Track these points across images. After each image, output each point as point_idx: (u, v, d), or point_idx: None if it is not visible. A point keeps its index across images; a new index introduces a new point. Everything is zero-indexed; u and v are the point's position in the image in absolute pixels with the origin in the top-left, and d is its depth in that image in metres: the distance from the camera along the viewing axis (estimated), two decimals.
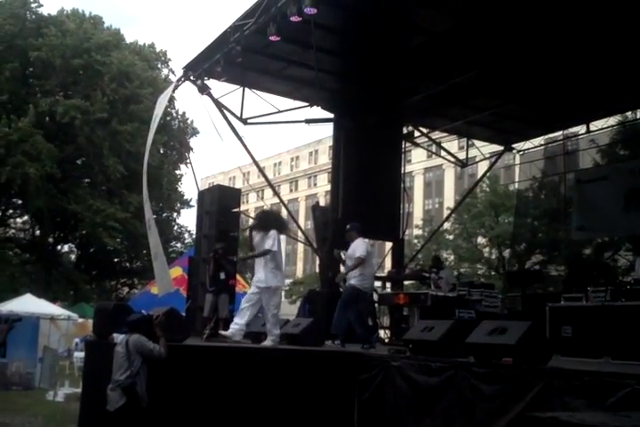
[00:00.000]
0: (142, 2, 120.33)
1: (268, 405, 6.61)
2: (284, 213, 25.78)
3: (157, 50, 35.48)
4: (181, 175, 36.29)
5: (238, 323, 7.97)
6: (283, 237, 8.70)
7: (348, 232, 8.93)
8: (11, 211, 34.54)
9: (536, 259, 21.15)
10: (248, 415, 6.44)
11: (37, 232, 34.08)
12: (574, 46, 10.61)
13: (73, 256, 37.78)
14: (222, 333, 8.13)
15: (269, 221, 8.44)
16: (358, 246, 8.70)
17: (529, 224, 19.66)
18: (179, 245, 36.43)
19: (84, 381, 6.80)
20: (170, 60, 35.93)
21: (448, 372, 5.80)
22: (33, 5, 31.82)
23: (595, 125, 15.04)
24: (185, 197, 36.75)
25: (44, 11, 32.43)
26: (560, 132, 15.93)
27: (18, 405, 11.65)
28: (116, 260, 35.65)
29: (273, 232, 8.10)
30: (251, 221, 10.08)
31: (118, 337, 6.43)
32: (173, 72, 34.30)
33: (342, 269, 9.26)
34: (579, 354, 7.08)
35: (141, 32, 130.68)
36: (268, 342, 7.85)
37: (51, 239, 33.85)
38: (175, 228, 37.07)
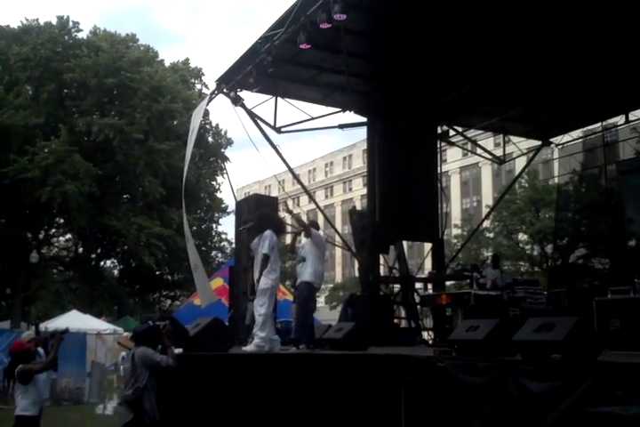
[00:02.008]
0: (177, 21, 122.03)
1: (317, 410, 6.60)
2: (320, 219, 25.85)
3: (192, 66, 35.93)
4: (219, 185, 36.64)
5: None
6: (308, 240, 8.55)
7: (305, 230, 8.68)
8: (54, 230, 35.28)
9: (579, 253, 20.76)
10: (297, 421, 6.45)
11: (80, 249, 34.73)
12: (607, 35, 10.43)
13: (116, 271, 38.42)
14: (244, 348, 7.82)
15: (265, 222, 8.24)
16: (310, 242, 8.43)
17: (571, 218, 19.34)
18: (220, 255, 36.77)
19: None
20: (204, 74, 36.36)
21: (495, 371, 5.71)
22: (71, 29, 32.59)
23: (634, 115, 14.73)
24: (223, 205, 37.07)
25: (82, 34, 33.15)
26: (599, 124, 15.64)
27: (69, 420, 11.86)
28: (157, 273, 36.13)
29: (268, 234, 7.88)
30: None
31: None
32: (207, 86, 34.76)
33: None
34: (628, 347, 6.91)
35: (176, 51, 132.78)
36: (250, 347, 7.56)
37: (93, 255, 34.47)
38: (215, 239, 37.40)
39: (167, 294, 38.35)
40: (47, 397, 8.70)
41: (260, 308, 7.72)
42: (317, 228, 9.06)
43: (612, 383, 4.68)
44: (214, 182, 36.35)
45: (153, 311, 32.62)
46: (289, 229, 9.34)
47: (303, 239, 8.81)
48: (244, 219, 11.41)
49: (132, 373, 5.83)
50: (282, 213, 11.33)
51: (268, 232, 7.89)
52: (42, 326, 18.21)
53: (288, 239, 10.43)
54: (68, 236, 35.73)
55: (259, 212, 8.68)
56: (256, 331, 7.68)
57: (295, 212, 9.65)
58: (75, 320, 18.26)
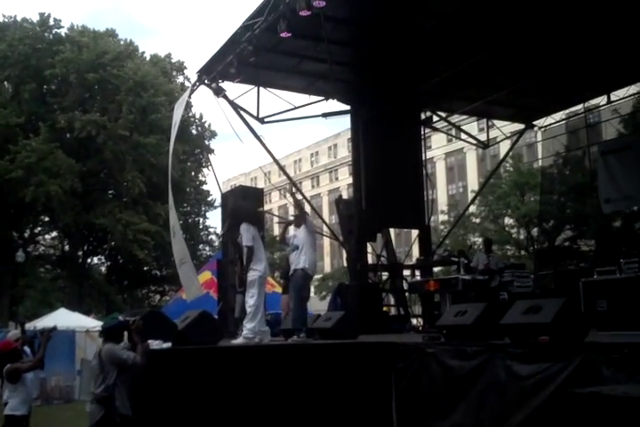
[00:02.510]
0: (157, 14, 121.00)
1: (308, 400, 6.60)
2: (307, 209, 25.83)
3: (174, 60, 35.65)
4: (204, 178, 36.45)
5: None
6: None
7: (296, 219, 8.64)
8: (39, 228, 35.03)
9: (565, 235, 20.89)
10: (287, 410, 6.44)
11: (67, 247, 34.51)
12: (587, 16, 10.41)
13: (103, 268, 38.24)
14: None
15: (239, 215, 8.29)
16: (303, 230, 8.35)
17: (556, 201, 19.44)
18: (207, 248, 36.66)
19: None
20: (186, 68, 36.04)
21: (483, 355, 5.73)
22: (52, 26, 32.20)
23: (616, 95, 14.76)
24: (210, 199, 36.92)
25: (62, 31, 32.74)
26: (581, 106, 15.67)
27: (59, 419, 11.82)
28: (145, 268, 35.95)
29: (244, 226, 7.91)
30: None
31: (152, 344, 6.45)
32: (189, 79, 34.47)
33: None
34: (616, 327, 6.95)
35: (158, 44, 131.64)
36: (239, 340, 7.59)
37: (80, 253, 34.26)
38: (202, 233, 37.26)
39: (156, 290, 38.19)
40: (36, 396, 8.65)
41: (249, 299, 7.75)
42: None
43: (600, 364, 4.70)
44: (200, 175, 36.18)
45: (142, 307, 32.52)
46: (276, 219, 9.31)
47: (293, 228, 8.75)
48: (228, 212, 11.38)
49: (101, 370, 5.79)
50: (287, 196, 11.23)
51: (243, 226, 7.92)
52: (30, 325, 18.09)
53: (277, 230, 10.39)
54: (54, 234, 35.49)
55: (231, 206, 8.67)
56: (245, 322, 7.70)
57: (299, 197, 9.61)
58: (63, 318, 18.16)
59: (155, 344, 6.41)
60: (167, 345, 6.46)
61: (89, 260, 36.11)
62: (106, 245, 35.04)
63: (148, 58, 34.30)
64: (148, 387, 6.06)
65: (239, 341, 7.59)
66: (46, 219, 33.53)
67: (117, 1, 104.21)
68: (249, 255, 7.81)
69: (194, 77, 13.13)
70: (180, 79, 35.58)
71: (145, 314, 7.34)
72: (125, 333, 6.12)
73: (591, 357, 4.80)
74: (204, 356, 6.45)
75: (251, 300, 7.75)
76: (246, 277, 7.86)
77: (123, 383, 5.79)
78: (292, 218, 8.88)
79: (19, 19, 32.22)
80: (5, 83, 30.72)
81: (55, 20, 32.35)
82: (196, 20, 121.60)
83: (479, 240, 27.58)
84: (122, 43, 33.51)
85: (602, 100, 15.10)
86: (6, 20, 32.26)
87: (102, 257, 37.25)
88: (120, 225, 29.46)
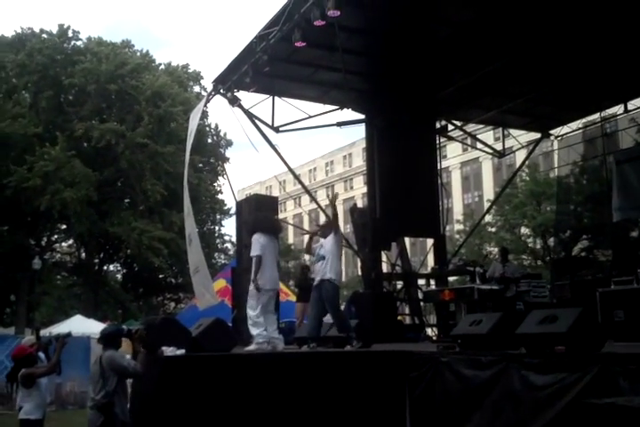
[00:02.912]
0: (171, 25, 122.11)
1: (322, 408, 6.57)
2: (322, 218, 25.82)
3: (191, 70, 35.92)
4: (220, 187, 36.61)
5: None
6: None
7: (322, 228, 8.65)
8: (56, 236, 35.31)
9: (582, 245, 20.76)
10: (300, 419, 6.42)
11: (83, 255, 34.74)
12: (604, 24, 10.37)
13: (119, 275, 38.43)
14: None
15: (255, 224, 8.31)
16: (331, 241, 8.25)
17: (572, 210, 19.31)
18: (222, 256, 36.75)
19: (133, 396, 6.87)
20: (202, 78, 36.33)
21: (499, 365, 5.67)
22: (71, 37, 32.61)
23: (632, 104, 14.68)
24: (225, 207, 37.05)
25: (81, 43, 33.16)
26: (597, 115, 15.59)
27: (74, 424, 11.82)
28: (160, 276, 36.12)
29: (256, 236, 7.97)
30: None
31: (167, 350, 6.47)
32: (205, 89, 34.70)
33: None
34: (633, 338, 6.88)
35: (174, 54, 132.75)
36: (251, 346, 7.64)
37: (96, 260, 34.48)
38: (217, 241, 37.39)
39: (171, 297, 38.34)
40: (50, 401, 8.70)
41: (249, 310, 7.84)
42: None
43: (617, 375, 4.65)
44: (215, 184, 36.36)
45: (157, 314, 32.61)
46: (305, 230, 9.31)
47: (321, 238, 8.70)
48: (243, 219, 11.41)
49: (101, 376, 5.84)
50: (326, 202, 11.24)
51: (255, 235, 7.97)
52: (45, 332, 18.20)
53: (291, 238, 10.42)
54: (71, 241, 35.75)
55: (251, 217, 8.73)
56: (252, 332, 7.74)
57: (299, 212, 9.65)
58: (79, 325, 18.27)
59: (169, 351, 6.44)
60: (181, 352, 6.47)
61: (105, 267, 36.38)
62: (121, 252, 35.26)
63: (163, 68, 34.63)
64: (162, 393, 6.06)
65: (251, 347, 7.61)
66: (63, 227, 33.80)
67: (133, 14, 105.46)
68: (256, 266, 7.85)
69: (210, 87, 13.23)
70: (197, 89, 35.87)
71: (159, 321, 7.38)
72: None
73: (608, 367, 4.74)
74: (218, 363, 6.44)
75: (249, 310, 7.85)
76: (249, 287, 7.92)
77: (123, 390, 5.85)
78: (317, 227, 8.84)
79: (37, 30, 32.68)
80: (24, 92, 31.08)
81: (74, 31, 32.86)
82: (212, 30, 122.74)
83: (495, 250, 27.44)
84: (138, 54, 33.86)
85: (619, 109, 15.01)
86: (25, 30, 32.71)
87: (118, 265, 37.51)
88: (135, 233, 29.63)
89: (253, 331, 7.69)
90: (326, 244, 8.29)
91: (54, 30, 32.42)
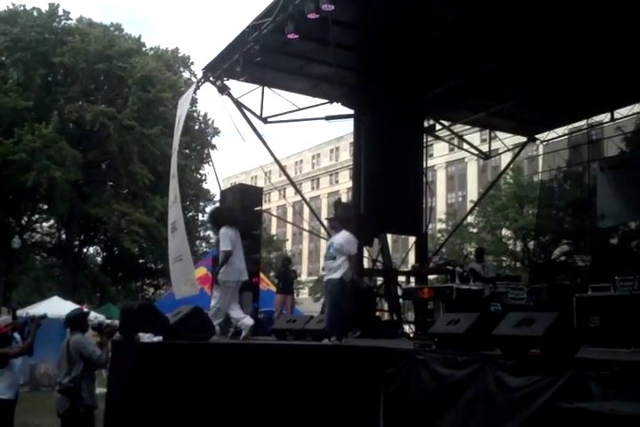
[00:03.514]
0: (162, 9, 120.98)
1: (295, 401, 6.60)
2: (305, 210, 25.84)
3: (180, 54, 35.66)
4: (205, 175, 36.49)
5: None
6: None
7: (330, 222, 8.74)
8: (37, 216, 35.00)
9: (562, 250, 20.94)
10: (274, 410, 6.45)
11: (63, 236, 34.49)
12: (595, 33, 10.45)
13: (99, 259, 38.22)
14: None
15: (219, 218, 8.42)
16: (342, 242, 8.23)
17: (554, 215, 19.47)
18: (204, 244, 36.66)
19: (110, 380, 6.86)
20: (192, 63, 36.10)
21: (474, 365, 5.73)
22: (61, 16, 32.23)
23: (619, 113, 14.82)
24: (209, 195, 36.92)
25: (70, 22, 32.80)
26: (584, 122, 15.72)
27: (47, 406, 11.74)
28: (141, 261, 35.97)
29: (223, 230, 8.07)
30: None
31: (144, 336, 6.46)
32: (195, 75, 34.51)
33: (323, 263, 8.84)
34: (607, 344, 6.97)
35: (163, 39, 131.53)
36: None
37: (76, 242, 34.24)
38: (200, 228, 37.27)
39: (150, 283, 38.21)
40: (24, 382, 8.67)
41: (213, 299, 8.03)
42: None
43: (590, 380, 4.71)
44: (201, 171, 36.23)
45: (135, 299, 32.49)
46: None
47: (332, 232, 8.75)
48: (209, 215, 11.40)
49: (68, 360, 5.87)
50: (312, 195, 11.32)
51: (222, 229, 8.07)
52: (22, 312, 18.07)
53: (274, 229, 10.42)
54: (52, 222, 35.47)
55: (211, 209, 8.82)
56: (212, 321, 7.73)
57: (283, 203, 9.72)
58: (56, 307, 18.10)
59: (146, 337, 6.43)
60: (158, 339, 6.46)
61: (85, 249, 36.15)
62: (102, 235, 35.04)
63: (151, 53, 34.37)
64: (138, 380, 6.06)
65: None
66: (44, 207, 33.52)
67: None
68: (223, 260, 7.97)
69: (200, 73, 13.18)
70: (187, 75, 35.67)
71: (137, 307, 7.36)
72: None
73: (581, 372, 4.81)
74: (195, 351, 6.44)
75: (213, 301, 8.05)
76: (216, 278, 8.09)
77: (89, 374, 5.88)
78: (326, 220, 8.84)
79: (28, 7, 32.27)
80: (12, 69, 30.71)
81: (64, 11, 32.49)
82: (205, 16, 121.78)
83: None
84: (129, 39, 33.55)
85: (605, 117, 15.14)
86: (17, 7, 32.29)
87: (98, 248, 37.29)
88: (115, 216, 29.46)
89: (213, 321, 7.72)
90: (336, 242, 8.25)
91: (45, 9, 32.11)
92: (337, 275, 8.05)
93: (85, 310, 6.68)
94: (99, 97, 31.56)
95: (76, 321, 6.22)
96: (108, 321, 8.06)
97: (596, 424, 3.38)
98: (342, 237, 8.23)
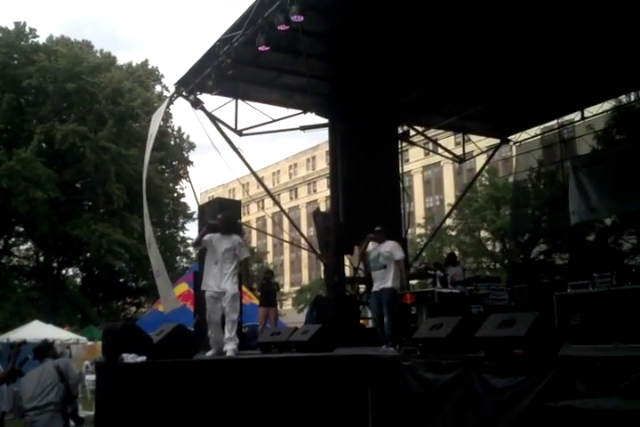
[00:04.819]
0: (136, 26, 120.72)
1: (285, 413, 6.58)
2: (285, 221, 25.83)
3: (149, 66, 35.54)
4: (182, 190, 36.27)
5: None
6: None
7: (377, 234, 8.82)
8: (13, 239, 34.57)
9: (540, 249, 21.12)
10: (263, 424, 6.42)
11: (41, 258, 34.08)
12: (562, 34, 10.61)
13: (78, 279, 37.77)
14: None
15: (232, 225, 8.44)
16: (391, 250, 8.57)
17: (530, 214, 19.66)
18: (185, 260, 36.41)
19: (97, 402, 6.81)
20: (162, 76, 35.96)
21: (459, 368, 5.76)
22: (28, 35, 31.98)
23: (589, 111, 15.03)
24: (188, 211, 36.73)
25: (38, 40, 32.53)
26: (555, 121, 15.92)
27: None
28: (121, 280, 35.60)
29: (240, 239, 8.19)
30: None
31: (127, 357, 6.41)
32: (167, 89, 34.37)
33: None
34: (589, 341, 7.04)
35: (133, 56, 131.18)
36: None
37: (55, 264, 33.84)
38: (180, 245, 37.02)
39: (132, 302, 37.77)
40: (7, 409, 8.55)
41: (235, 313, 7.80)
42: None
43: (574, 377, 4.75)
44: (178, 187, 36.03)
45: (117, 319, 32.15)
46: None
47: (372, 245, 8.82)
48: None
49: (62, 381, 5.95)
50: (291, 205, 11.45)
51: (240, 238, 8.07)
52: (3, 338, 17.83)
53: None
54: (29, 244, 35.01)
55: (227, 214, 8.76)
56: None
57: (262, 215, 9.80)
58: (36, 331, 17.89)
59: (129, 358, 6.38)
60: (142, 359, 6.42)
61: (64, 271, 35.70)
62: (81, 256, 34.67)
63: (124, 68, 34.20)
64: (123, 400, 6.01)
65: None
66: (21, 229, 33.12)
67: (97, 13, 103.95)
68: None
69: (172, 87, 13.18)
70: (159, 88, 35.53)
71: (119, 328, 7.31)
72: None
73: (565, 370, 4.85)
74: (179, 369, 6.41)
75: (236, 314, 7.89)
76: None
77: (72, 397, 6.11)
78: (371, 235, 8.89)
79: None
80: None
81: (30, 29, 32.16)
82: (176, 31, 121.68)
83: (456, 253, 27.78)
84: (99, 55, 33.41)
85: (576, 115, 15.36)
86: None
87: (77, 269, 36.85)
88: (95, 236, 29.22)
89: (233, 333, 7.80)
90: (384, 251, 8.47)
91: (11, 28, 31.82)
92: (389, 284, 8.35)
93: (52, 339, 6.81)
94: (71, 115, 31.31)
95: (43, 351, 6.30)
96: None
97: (582, 421, 3.41)
98: (389, 245, 8.61)
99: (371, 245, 8.90)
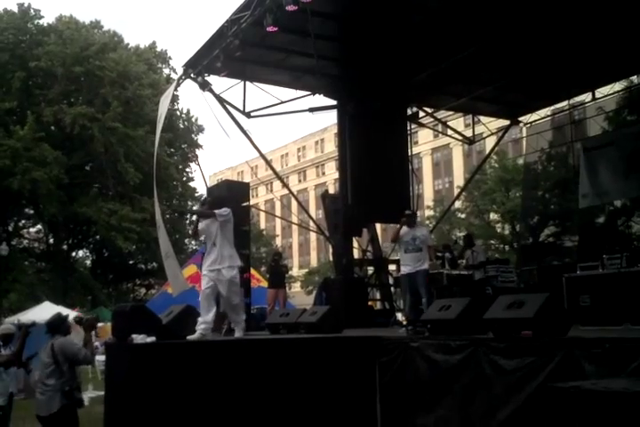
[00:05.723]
0: (141, 6, 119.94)
1: (293, 394, 6.62)
2: (293, 204, 25.84)
3: (158, 49, 35.41)
4: (191, 173, 36.30)
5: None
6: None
7: (410, 218, 8.86)
8: (23, 221, 34.76)
9: (550, 231, 21.03)
10: (272, 404, 6.46)
11: (51, 240, 34.28)
12: (573, 13, 10.45)
13: (88, 261, 38.00)
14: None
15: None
16: (426, 234, 8.95)
17: (540, 196, 19.54)
18: (193, 242, 36.51)
19: (107, 383, 6.85)
20: (170, 58, 35.86)
21: (467, 349, 5.77)
22: (33, 16, 31.88)
23: (600, 92, 14.85)
24: (197, 194, 36.75)
25: (44, 21, 32.44)
26: (566, 102, 15.74)
27: None
28: (131, 262, 35.80)
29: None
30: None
31: (137, 338, 6.45)
32: (175, 71, 34.27)
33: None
34: (598, 323, 7.03)
35: (141, 38, 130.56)
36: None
37: (65, 246, 34.04)
38: (189, 227, 37.10)
39: (141, 283, 38.02)
40: (16, 390, 8.65)
41: (237, 296, 7.84)
42: None
43: (582, 358, 4.75)
44: (187, 169, 36.04)
45: (127, 301, 32.37)
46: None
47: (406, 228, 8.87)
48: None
49: (55, 363, 5.99)
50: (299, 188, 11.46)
51: (224, 212, 7.80)
52: (14, 319, 17.98)
53: (263, 224, 10.44)
54: (39, 227, 35.23)
55: (211, 199, 8.75)
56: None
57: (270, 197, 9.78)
58: (47, 312, 17.98)
59: (139, 339, 6.42)
60: (151, 339, 6.45)
61: (74, 253, 35.92)
62: (90, 238, 34.84)
63: (131, 51, 34.10)
64: (132, 381, 6.05)
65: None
66: (31, 211, 33.30)
67: None
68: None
69: (180, 69, 13.11)
70: (166, 71, 35.43)
71: (129, 309, 7.34)
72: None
73: (573, 351, 4.84)
74: (188, 350, 6.44)
75: (238, 297, 7.92)
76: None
77: (73, 375, 6.14)
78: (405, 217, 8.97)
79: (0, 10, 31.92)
80: None
81: (35, 10, 32.10)
82: (182, 12, 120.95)
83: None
84: (106, 35, 33.29)
85: (587, 96, 15.17)
86: None
87: (87, 250, 37.05)
88: (104, 214, 29.31)
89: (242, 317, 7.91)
90: (421, 234, 8.69)
91: (15, 10, 31.75)
92: (426, 265, 8.55)
93: (66, 313, 6.69)
94: (79, 98, 31.29)
95: (55, 326, 6.29)
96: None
97: (591, 402, 3.41)
98: (423, 229, 9.15)
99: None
